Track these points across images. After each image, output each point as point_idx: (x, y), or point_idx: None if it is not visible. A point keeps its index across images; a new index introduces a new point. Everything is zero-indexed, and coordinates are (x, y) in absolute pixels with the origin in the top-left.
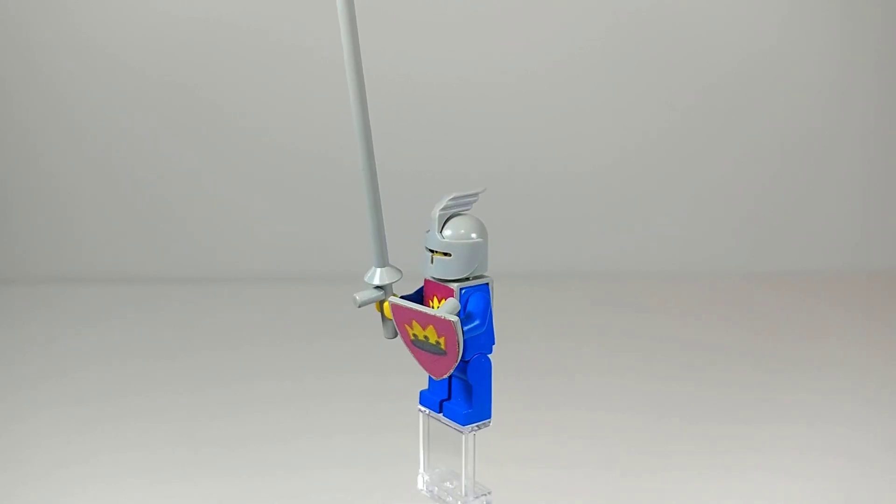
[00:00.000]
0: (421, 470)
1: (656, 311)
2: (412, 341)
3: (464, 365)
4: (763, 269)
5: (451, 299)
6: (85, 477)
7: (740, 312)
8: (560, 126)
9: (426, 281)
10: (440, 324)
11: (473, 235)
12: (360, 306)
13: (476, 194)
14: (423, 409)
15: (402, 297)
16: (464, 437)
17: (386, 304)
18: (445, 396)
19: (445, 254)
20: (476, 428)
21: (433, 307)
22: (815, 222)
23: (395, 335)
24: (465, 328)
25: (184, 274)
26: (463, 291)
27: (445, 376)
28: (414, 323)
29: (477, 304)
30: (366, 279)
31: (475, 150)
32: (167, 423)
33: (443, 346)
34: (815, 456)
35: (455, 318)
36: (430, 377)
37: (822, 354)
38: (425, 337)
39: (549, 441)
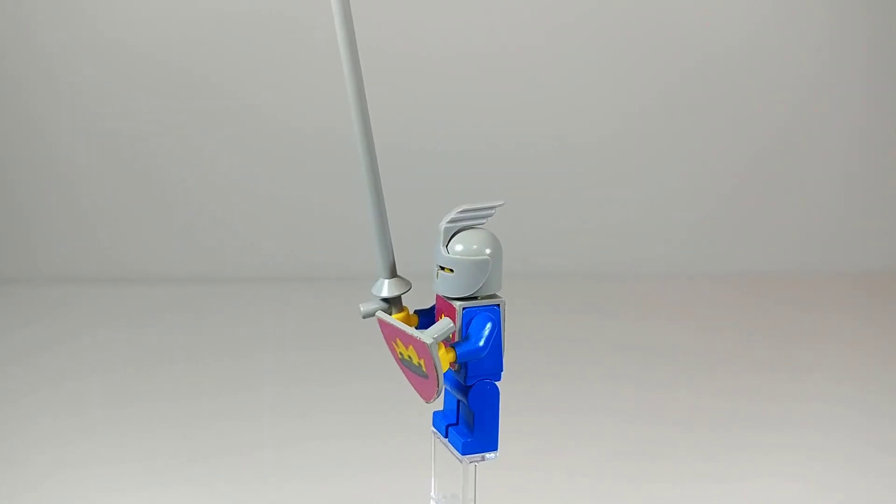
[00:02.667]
0: (432, 493)
1: (651, 314)
2: (400, 360)
3: (467, 391)
4: (759, 269)
5: (444, 319)
6: (85, 481)
7: (737, 314)
8: (552, 126)
9: (437, 296)
10: (418, 345)
11: (483, 252)
12: (365, 317)
13: (493, 208)
14: (434, 430)
15: (417, 311)
16: (462, 466)
17: (394, 318)
18: (453, 420)
19: (450, 269)
20: (478, 459)
21: None
22: (811, 222)
23: None
24: (460, 350)
25: (184, 274)
26: (466, 311)
27: (432, 401)
28: (398, 341)
29: (478, 325)
30: (373, 291)
31: (485, 142)
32: (168, 427)
33: (424, 369)
34: (813, 459)
35: (430, 340)
36: (445, 396)
37: (819, 357)
38: (409, 357)
39: (546, 447)
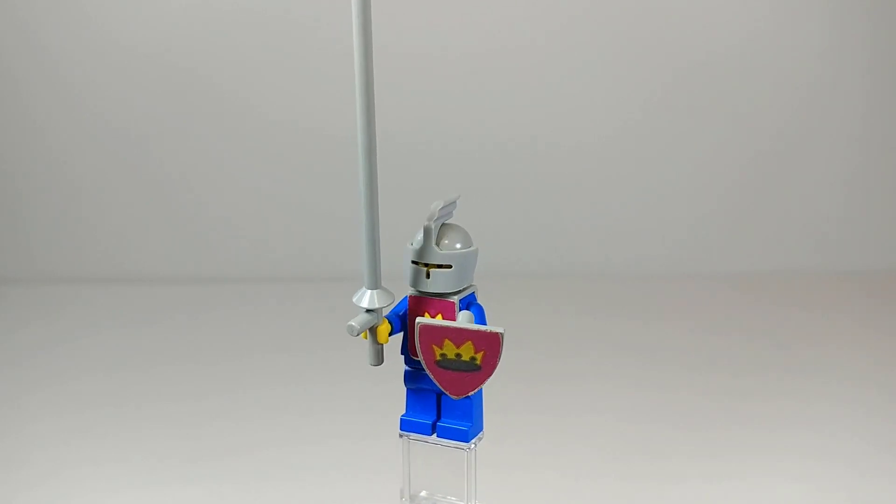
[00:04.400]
0: (405, 499)
1: (651, 314)
2: (437, 362)
3: None
4: (759, 269)
5: (465, 312)
6: (85, 481)
7: (737, 314)
8: (549, 125)
9: (411, 297)
10: (482, 338)
11: (472, 242)
12: (357, 334)
13: (454, 202)
14: (406, 434)
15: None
16: (466, 454)
17: (380, 329)
18: (435, 418)
19: (445, 266)
20: (476, 443)
21: None
22: (811, 222)
23: (381, 362)
24: None
25: (185, 274)
26: (461, 302)
27: (471, 394)
28: (446, 342)
29: (477, 315)
30: (354, 301)
31: (463, 144)
32: (168, 427)
33: (478, 362)
34: (814, 460)
35: (502, 330)
36: (407, 401)
37: (819, 357)
38: (457, 355)
39: (546, 447)
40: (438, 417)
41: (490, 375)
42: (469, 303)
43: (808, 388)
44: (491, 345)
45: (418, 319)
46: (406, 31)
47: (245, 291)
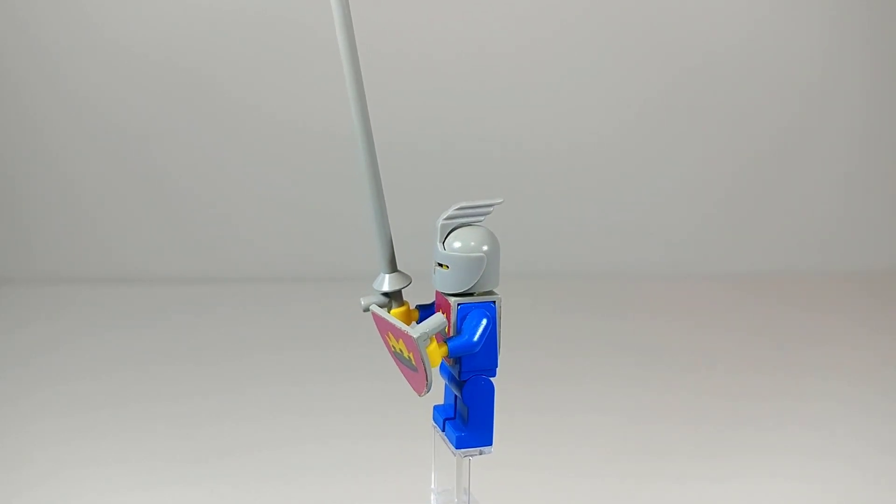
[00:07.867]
0: (433, 486)
1: (651, 314)
2: (394, 353)
3: (462, 385)
4: (759, 269)
5: (437, 314)
6: (85, 481)
7: (737, 314)
8: (552, 126)
9: (437, 292)
10: (407, 339)
11: (478, 249)
12: (365, 311)
13: (491, 205)
14: (434, 424)
15: (418, 306)
16: (456, 460)
17: (392, 312)
18: (451, 415)
19: (444, 265)
20: (473, 454)
21: None
22: (811, 222)
23: (366, 309)
24: (452, 345)
25: (185, 274)
26: (461, 307)
27: (423, 394)
28: (390, 334)
29: (472, 321)
30: (373, 286)
31: (486, 142)
32: (168, 427)
33: (413, 363)
34: (814, 459)
35: (417, 334)
36: (445, 390)
37: (819, 357)
38: (400, 350)
39: (546, 447)
40: (454, 416)
41: (425, 379)
42: (470, 310)
43: (808, 388)
44: (413, 348)
45: (372, 307)
46: (412, 34)
47: (245, 291)
